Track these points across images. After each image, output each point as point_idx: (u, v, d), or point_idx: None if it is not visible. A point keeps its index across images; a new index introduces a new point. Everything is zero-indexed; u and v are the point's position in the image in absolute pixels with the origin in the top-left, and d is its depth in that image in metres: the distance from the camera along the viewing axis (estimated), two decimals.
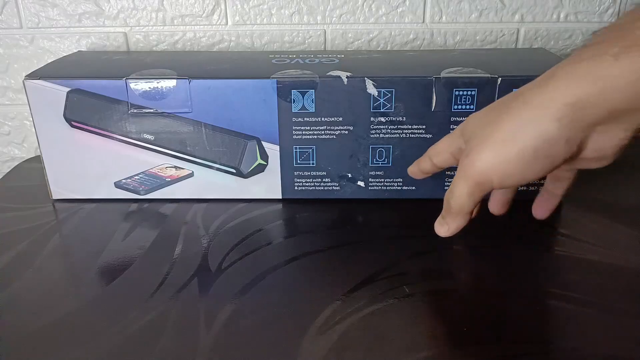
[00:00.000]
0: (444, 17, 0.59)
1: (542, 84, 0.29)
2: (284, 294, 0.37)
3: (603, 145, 0.29)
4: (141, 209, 0.48)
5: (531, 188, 0.48)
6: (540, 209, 0.42)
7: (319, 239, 0.44)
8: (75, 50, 0.59)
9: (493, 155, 0.30)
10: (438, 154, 0.38)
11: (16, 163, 0.62)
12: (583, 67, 0.27)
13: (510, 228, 0.45)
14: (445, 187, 0.48)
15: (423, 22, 0.59)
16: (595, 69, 0.27)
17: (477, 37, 0.60)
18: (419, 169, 0.41)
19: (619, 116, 0.28)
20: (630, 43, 0.26)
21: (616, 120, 0.28)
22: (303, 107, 0.45)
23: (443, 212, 0.36)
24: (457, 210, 0.34)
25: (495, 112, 0.32)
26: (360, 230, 0.45)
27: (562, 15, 0.59)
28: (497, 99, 0.44)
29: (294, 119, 0.46)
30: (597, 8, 0.58)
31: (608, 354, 0.32)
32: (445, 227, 0.36)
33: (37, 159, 0.58)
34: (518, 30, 0.59)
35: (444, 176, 0.48)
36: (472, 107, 0.45)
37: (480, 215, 0.47)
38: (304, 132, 0.46)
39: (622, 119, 0.28)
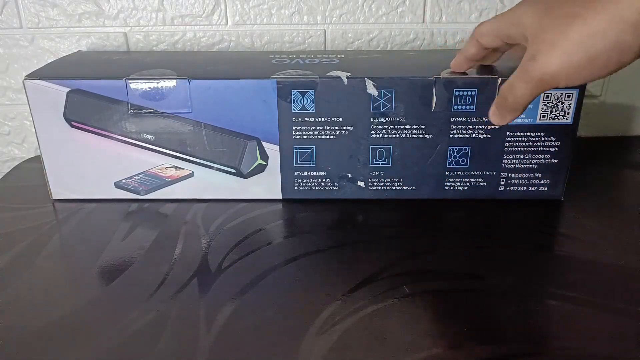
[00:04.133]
0: (444, 17, 0.59)
1: None
2: (284, 294, 0.37)
3: None
4: (141, 209, 0.48)
5: (531, 188, 0.48)
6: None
7: (319, 239, 0.44)
8: (75, 50, 0.59)
9: (562, 61, 0.31)
10: (484, 35, 0.39)
11: (16, 163, 0.62)
12: None
13: (510, 228, 0.45)
14: (445, 188, 0.48)
15: (423, 22, 0.59)
16: None
17: None
18: (464, 56, 0.42)
19: None
20: None
21: None
22: (303, 107, 0.45)
23: (497, 104, 0.37)
24: (515, 107, 0.35)
25: (559, 12, 0.32)
26: (360, 230, 0.45)
27: None
28: None
29: (294, 119, 0.46)
30: None
31: (608, 354, 0.32)
32: (499, 117, 0.37)
33: (37, 159, 0.58)
34: None
35: (444, 176, 0.48)
36: (472, 107, 0.45)
37: (481, 215, 0.47)
38: (304, 132, 0.46)
39: None
